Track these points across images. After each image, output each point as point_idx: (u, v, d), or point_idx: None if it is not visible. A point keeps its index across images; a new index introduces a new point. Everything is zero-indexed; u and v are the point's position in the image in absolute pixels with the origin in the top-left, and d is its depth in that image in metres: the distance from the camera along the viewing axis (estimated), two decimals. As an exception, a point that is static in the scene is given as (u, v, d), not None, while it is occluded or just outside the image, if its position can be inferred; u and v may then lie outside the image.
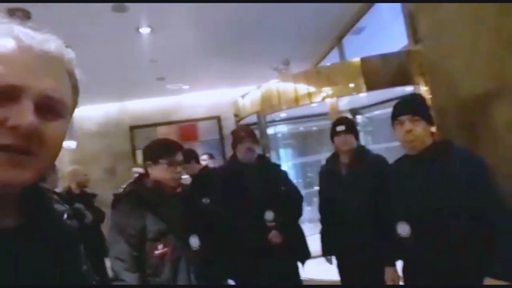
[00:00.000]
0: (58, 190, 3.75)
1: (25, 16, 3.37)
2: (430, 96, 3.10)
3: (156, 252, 1.71)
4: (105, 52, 4.66)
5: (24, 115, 0.51)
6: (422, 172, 1.71)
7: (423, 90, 3.34)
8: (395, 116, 1.77)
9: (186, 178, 3.91)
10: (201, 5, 3.84)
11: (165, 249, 1.72)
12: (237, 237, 2.32)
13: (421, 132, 1.70)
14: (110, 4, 3.60)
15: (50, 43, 0.58)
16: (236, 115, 5.15)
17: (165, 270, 1.70)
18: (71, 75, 0.62)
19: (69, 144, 4.41)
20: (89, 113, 7.03)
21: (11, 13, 3.31)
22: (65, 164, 6.68)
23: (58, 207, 0.70)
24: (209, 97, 7.35)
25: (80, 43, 4.11)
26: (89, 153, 6.95)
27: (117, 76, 5.66)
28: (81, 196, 4.01)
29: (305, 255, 2.70)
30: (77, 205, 3.71)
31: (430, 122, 1.75)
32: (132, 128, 7.25)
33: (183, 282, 1.73)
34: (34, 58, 0.55)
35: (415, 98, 1.97)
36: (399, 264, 1.91)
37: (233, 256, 2.21)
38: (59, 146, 0.59)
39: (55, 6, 3.38)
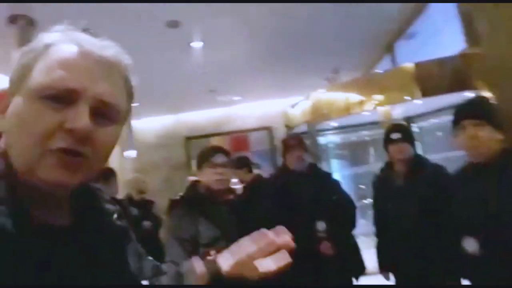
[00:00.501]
0: (119, 196, 3.98)
1: (89, 32, 3.66)
2: (495, 101, 2.88)
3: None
4: (160, 66, 4.90)
5: (80, 118, 0.53)
6: (489, 181, 1.54)
7: (486, 95, 3.12)
8: (456, 120, 1.63)
9: (237, 185, 3.98)
10: (250, 17, 3.92)
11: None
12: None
13: (487, 137, 1.53)
14: (164, 20, 3.80)
15: (109, 49, 0.60)
16: (286, 126, 5.15)
17: None
18: (126, 81, 0.64)
19: (130, 153, 4.67)
20: (148, 125, 7.42)
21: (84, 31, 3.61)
22: (127, 172, 7.12)
23: (109, 207, 0.72)
24: (260, 108, 7.42)
25: (136, 58, 4.39)
26: (149, 163, 7.31)
27: (171, 89, 5.91)
28: (140, 203, 4.23)
29: (360, 269, 2.60)
30: (134, 210, 3.91)
31: (497, 127, 1.56)
32: (188, 139, 7.52)
33: (235, 289, 1.74)
34: (93, 63, 0.57)
35: (479, 101, 1.82)
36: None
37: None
38: (110, 151, 0.61)
39: (113, 23, 3.65)
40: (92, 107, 0.55)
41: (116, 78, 0.61)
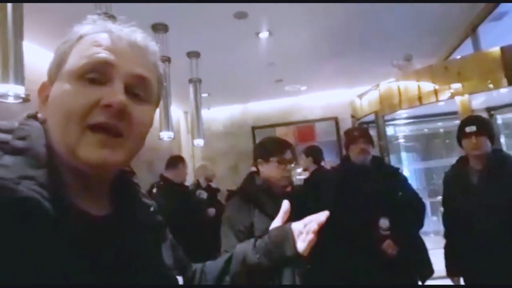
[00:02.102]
0: (187, 183, 4.18)
1: (164, 29, 3.86)
2: None
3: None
4: (228, 57, 5.00)
5: (116, 94, 0.56)
6: None
7: None
8: None
9: (301, 172, 3.94)
10: (316, 5, 3.81)
11: None
12: (347, 243, 2.22)
13: None
14: (232, 12, 3.86)
15: (137, 34, 0.63)
16: (353, 116, 4.96)
17: None
18: (156, 67, 0.66)
19: (198, 142, 4.88)
20: (216, 115, 7.68)
21: (155, 28, 3.83)
22: (197, 160, 7.48)
23: (146, 201, 0.73)
24: (326, 98, 7.24)
25: (205, 49, 4.55)
26: (216, 151, 7.60)
27: (239, 79, 6.02)
28: (206, 190, 4.41)
29: (426, 271, 2.43)
30: (203, 193, 4.08)
31: None
32: (254, 128, 7.64)
33: (288, 283, 1.73)
34: (125, 46, 0.60)
35: None
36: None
37: (342, 263, 2.12)
38: (146, 131, 0.62)
39: (189, 19, 3.80)
40: (127, 85, 0.58)
41: (146, 60, 0.63)
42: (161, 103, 4.05)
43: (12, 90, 2.31)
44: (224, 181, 6.31)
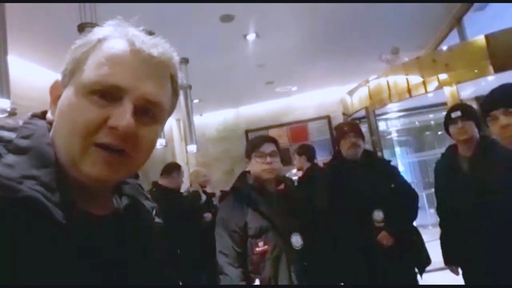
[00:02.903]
0: (182, 190, 4.16)
1: (149, 34, 3.87)
2: None
3: (257, 249, 1.73)
4: (218, 61, 5.01)
5: (124, 117, 0.54)
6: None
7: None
8: (487, 110, 1.55)
9: (295, 173, 3.94)
10: (303, 6, 3.83)
11: (266, 246, 1.73)
12: (342, 238, 2.22)
13: None
14: (218, 15, 3.87)
15: (159, 47, 0.60)
16: (344, 113, 4.98)
17: (266, 268, 1.71)
18: (173, 79, 0.64)
19: (191, 148, 4.88)
20: (209, 120, 7.68)
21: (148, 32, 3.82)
22: (191, 166, 7.47)
23: (148, 203, 0.72)
24: (318, 97, 7.28)
25: (193, 54, 4.55)
26: (211, 156, 7.60)
27: (230, 83, 6.03)
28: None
29: (423, 261, 2.43)
30: (203, 197, 4.06)
31: None
32: (247, 131, 7.64)
33: (284, 282, 1.72)
34: (142, 62, 0.58)
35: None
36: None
37: (339, 257, 2.12)
38: (151, 149, 0.61)
39: (175, 25, 3.79)
40: (137, 106, 0.56)
41: (163, 77, 0.61)
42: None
43: (-2, 104, 2.30)
44: (220, 185, 6.28)
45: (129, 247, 0.60)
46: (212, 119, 7.77)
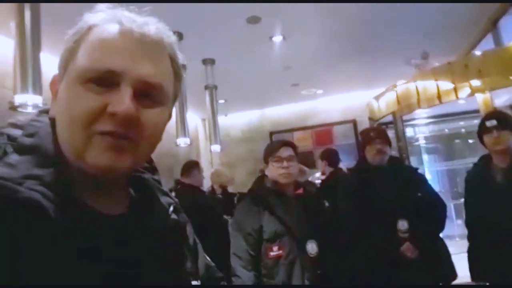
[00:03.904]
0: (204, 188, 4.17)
1: (179, 37, 3.91)
2: None
3: (271, 253, 1.71)
4: (244, 62, 5.00)
5: (122, 101, 0.51)
6: None
7: None
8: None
9: (319, 176, 3.88)
10: (329, 8, 3.76)
11: (280, 251, 1.70)
12: (364, 247, 2.15)
13: None
14: (244, 17, 3.86)
15: (150, 26, 0.57)
16: (370, 118, 4.86)
17: (280, 273, 1.68)
18: (172, 60, 0.60)
19: (215, 148, 4.91)
20: (234, 121, 7.71)
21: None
22: (215, 166, 7.52)
23: (165, 199, 0.69)
24: (344, 101, 7.15)
25: (220, 55, 4.57)
26: (236, 157, 7.63)
27: (255, 84, 6.01)
28: (222, 195, 4.39)
29: (449, 274, 2.32)
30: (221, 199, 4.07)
31: None
32: (272, 133, 7.61)
33: (299, 287, 1.68)
34: (135, 43, 0.55)
35: None
36: None
37: (358, 266, 2.05)
38: (159, 133, 0.58)
39: (202, 26, 3.83)
40: (136, 89, 0.53)
41: (160, 57, 0.58)
42: (177, 110, 4.12)
43: (31, 100, 2.38)
44: (243, 186, 6.29)
45: (134, 246, 0.56)
46: (237, 120, 7.79)
